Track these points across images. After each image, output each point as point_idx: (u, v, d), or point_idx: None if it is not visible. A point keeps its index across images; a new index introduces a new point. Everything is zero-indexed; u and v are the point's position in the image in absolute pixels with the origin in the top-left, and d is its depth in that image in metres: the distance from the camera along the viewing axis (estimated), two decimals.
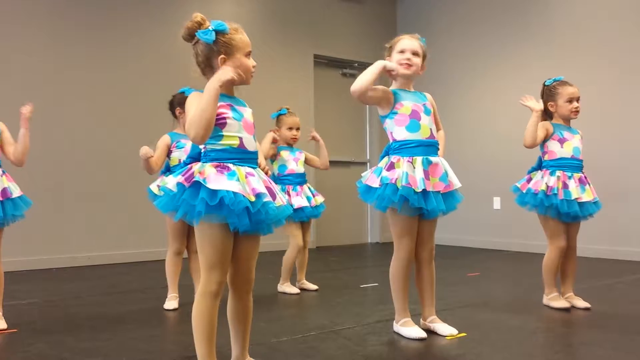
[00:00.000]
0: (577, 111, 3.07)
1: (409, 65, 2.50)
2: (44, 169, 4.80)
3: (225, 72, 1.76)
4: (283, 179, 3.63)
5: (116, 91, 5.32)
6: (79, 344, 2.46)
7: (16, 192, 2.71)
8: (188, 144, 3.14)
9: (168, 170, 3.19)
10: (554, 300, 3.07)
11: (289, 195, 3.57)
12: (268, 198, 1.78)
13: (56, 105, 5.00)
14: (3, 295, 2.79)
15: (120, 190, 5.24)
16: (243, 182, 1.75)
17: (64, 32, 5.09)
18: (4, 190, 2.65)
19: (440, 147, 2.59)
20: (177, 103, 3.25)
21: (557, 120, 3.09)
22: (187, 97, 3.17)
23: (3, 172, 2.71)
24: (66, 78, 5.06)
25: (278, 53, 6.35)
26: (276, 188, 1.88)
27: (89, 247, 5.10)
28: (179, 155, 3.17)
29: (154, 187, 3.17)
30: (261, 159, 1.95)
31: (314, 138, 3.79)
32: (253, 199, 1.73)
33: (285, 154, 3.68)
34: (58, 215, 4.95)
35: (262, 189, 1.78)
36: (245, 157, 1.82)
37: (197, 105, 1.72)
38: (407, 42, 2.52)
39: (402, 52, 2.51)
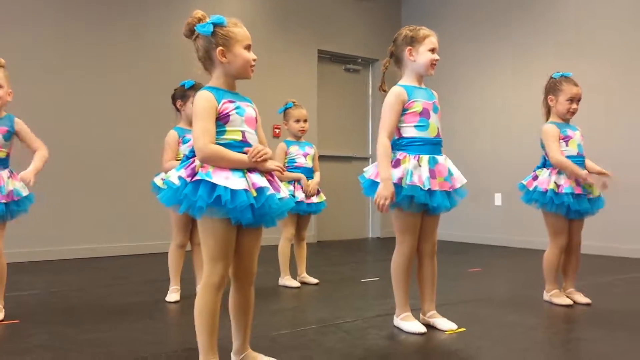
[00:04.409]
0: (574, 112, 3.06)
1: (435, 66, 2.52)
2: (48, 161, 4.80)
3: (269, 164, 1.80)
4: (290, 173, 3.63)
5: (123, 86, 5.32)
6: (80, 335, 2.47)
7: (24, 192, 2.75)
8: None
9: None
10: (556, 296, 3.07)
11: (294, 187, 3.59)
12: (271, 191, 1.79)
13: (62, 99, 5.01)
14: (5, 286, 2.80)
15: (124, 182, 5.26)
16: (245, 177, 1.76)
17: (72, 28, 5.08)
18: (11, 192, 2.69)
19: None
20: (178, 96, 3.27)
21: (555, 118, 3.09)
22: (187, 89, 3.21)
23: (11, 172, 2.75)
24: (76, 73, 5.06)
25: (282, 48, 6.34)
26: (278, 181, 1.89)
27: (92, 239, 5.12)
28: (184, 150, 3.17)
29: (157, 181, 3.18)
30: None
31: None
32: (254, 193, 1.75)
33: (294, 149, 3.68)
34: (61, 207, 4.96)
35: (263, 183, 1.79)
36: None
37: (224, 153, 1.75)
38: (435, 41, 2.52)
39: (432, 50, 2.50)
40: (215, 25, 1.83)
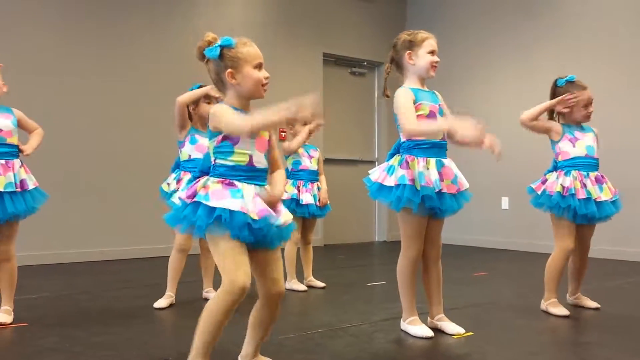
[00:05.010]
0: (590, 115, 3.01)
1: (436, 68, 2.52)
2: (58, 163, 4.84)
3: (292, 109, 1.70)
4: (295, 175, 3.65)
5: (133, 87, 5.36)
6: (90, 338, 2.49)
7: (31, 183, 2.77)
8: (201, 140, 3.12)
9: (178, 166, 3.20)
10: (553, 306, 2.96)
11: (298, 190, 3.60)
12: (274, 220, 1.78)
13: (71, 99, 5.04)
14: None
15: (134, 185, 5.28)
16: (248, 201, 1.75)
17: (72, 29, 5.12)
18: (22, 181, 2.72)
19: None
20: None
21: (567, 122, 3.06)
22: None
23: (22, 163, 2.78)
24: (78, 75, 5.10)
25: (287, 51, 6.36)
26: (281, 207, 1.87)
27: (101, 242, 5.15)
28: (190, 150, 3.14)
29: (165, 186, 3.18)
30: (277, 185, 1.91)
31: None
32: (256, 217, 1.73)
33: (300, 150, 3.69)
34: (71, 209, 4.99)
35: (268, 211, 1.77)
36: (253, 174, 1.82)
37: (263, 115, 1.70)
38: (434, 43, 2.52)
39: (432, 52, 2.51)
40: (222, 47, 1.81)
